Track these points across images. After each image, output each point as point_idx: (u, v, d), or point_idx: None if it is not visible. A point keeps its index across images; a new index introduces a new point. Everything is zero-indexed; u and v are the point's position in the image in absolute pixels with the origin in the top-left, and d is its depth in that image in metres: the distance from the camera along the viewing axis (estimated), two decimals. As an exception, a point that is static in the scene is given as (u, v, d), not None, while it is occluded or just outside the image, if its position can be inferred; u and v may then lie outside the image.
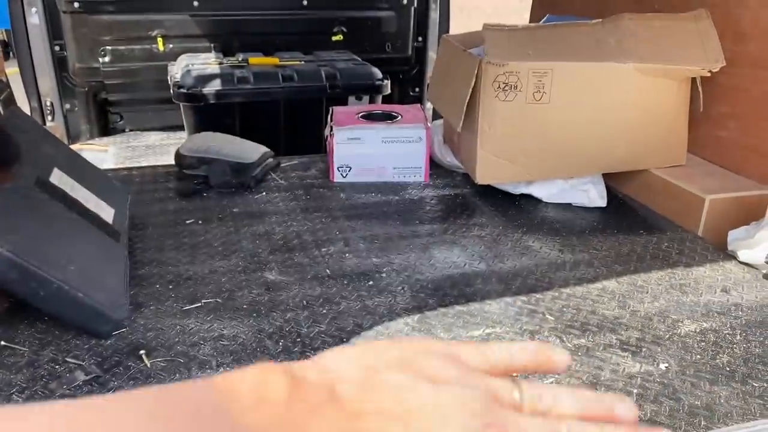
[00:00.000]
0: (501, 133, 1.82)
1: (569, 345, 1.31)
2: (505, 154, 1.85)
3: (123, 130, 3.65)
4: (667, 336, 1.34)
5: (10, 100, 2.40)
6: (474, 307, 1.44)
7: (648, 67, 1.75)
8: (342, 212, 1.91)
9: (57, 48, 3.26)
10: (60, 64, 3.29)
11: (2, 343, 1.28)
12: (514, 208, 1.94)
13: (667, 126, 1.88)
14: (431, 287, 1.52)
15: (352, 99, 3.20)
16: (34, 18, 3.12)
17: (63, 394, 1.16)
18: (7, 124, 1.58)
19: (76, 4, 3.19)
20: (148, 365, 1.23)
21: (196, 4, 3.37)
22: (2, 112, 2.19)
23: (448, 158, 2.17)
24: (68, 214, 1.47)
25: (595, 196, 1.93)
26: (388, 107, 2.30)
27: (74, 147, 3.10)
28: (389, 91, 3.28)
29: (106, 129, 3.61)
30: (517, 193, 1.98)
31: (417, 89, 3.93)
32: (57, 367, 1.23)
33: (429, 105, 3.58)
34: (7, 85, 2.44)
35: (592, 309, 1.44)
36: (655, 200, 1.91)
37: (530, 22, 2.94)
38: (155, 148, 3.42)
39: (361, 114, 2.21)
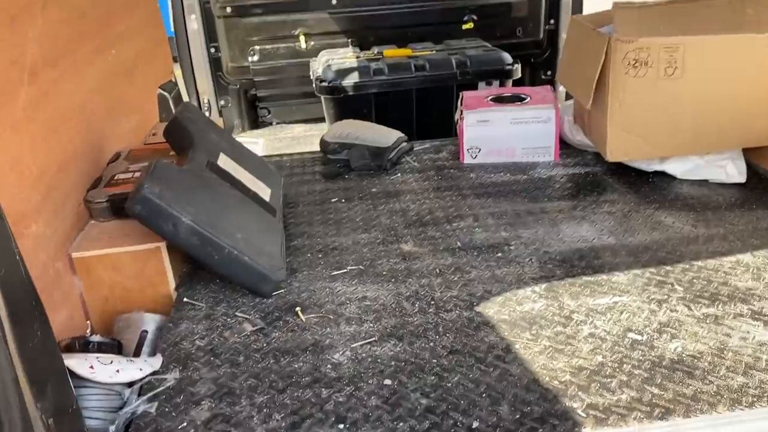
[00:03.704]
0: (632, 109, 1.83)
1: (697, 313, 1.33)
2: (636, 131, 1.86)
3: (270, 123, 3.96)
4: (805, 308, 1.32)
5: (179, 98, 2.73)
6: (601, 278, 1.49)
7: (791, 35, 1.69)
8: (471, 191, 2.01)
9: (212, 50, 3.61)
10: (215, 64, 3.64)
11: (185, 299, 1.52)
12: (647, 185, 1.94)
13: (814, 96, 1.79)
14: (559, 259, 1.58)
15: (482, 84, 3.27)
16: (193, 24, 3.48)
17: (235, 341, 1.36)
18: (181, 117, 1.83)
19: (228, 9, 3.52)
20: (304, 320, 1.41)
21: (333, 2, 3.59)
22: (173, 108, 2.51)
23: (578, 137, 2.20)
24: (233, 192, 1.70)
25: (733, 171, 1.88)
26: (517, 89, 2.36)
27: (229, 139, 3.43)
28: (519, 75, 3.31)
29: (255, 122, 3.94)
30: (651, 170, 1.97)
31: (549, 72, 3.89)
32: (229, 320, 1.45)
33: (561, 88, 3.57)
34: (176, 84, 2.78)
35: (724, 280, 1.44)
36: (800, 175, 1.83)
37: (667, -3, 2.85)
38: (299, 139, 3.70)
39: (490, 97, 2.29)
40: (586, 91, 1.87)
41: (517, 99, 2.26)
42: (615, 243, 1.64)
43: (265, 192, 1.84)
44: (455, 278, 1.53)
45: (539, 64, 3.91)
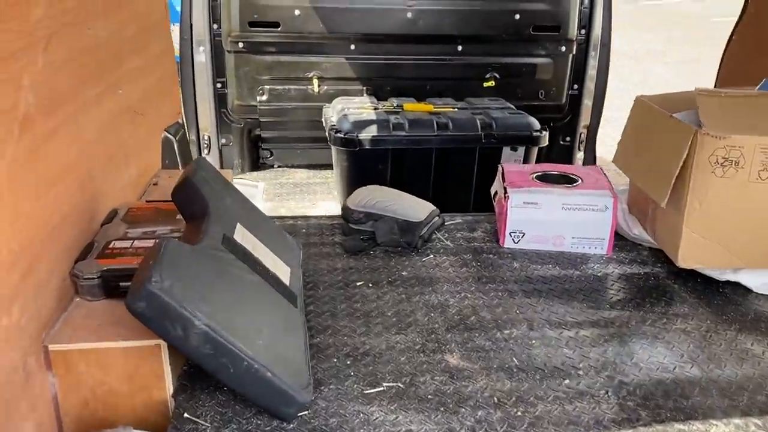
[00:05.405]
0: (713, 212, 1.60)
1: (832, 496, 1.07)
2: (715, 236, 1.63)
3: (272, 166, 3.71)
4: None
5: (185, 141, 2.46)
6: (696, 428, 1.23)
7: None
8: (518, 285, 1.75)
9: (219, 85, 3.36)
10: (220, 100, 3.39)
11: (186, 415, 1.23)
12: (719, 297, 1.70)
13: None
14: (640, 394, 1.32)
15: (506, 149, 3.06)
16: (201, 56, 3.23)
17: (249, 486, 1.07)
18: (195, 177, 1.56)
19: (240, 44, 3.28)
20: (336, 462, 1.13)
21: (353, 47, 3.37)
22: (177, 153, 2.24)
23: (635, 230, 1.96)
24: (251, 276, 1.41)
25: (820, 291, 1.66)
26: (564, 168, 2.13)
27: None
28: (546, 142, 3.11)
29: (256, 164, 3.68)
30: (722, 279, 1.73)
31: (568, 138, 3.72)
32: (240, 450, 1.15)
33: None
34: (182, 127, 2.51)
35: None
36: None
37: (718, 78, 2.68)
38: (302, 186, 3.44)
39: (535, 174, 2.06)
40: (662, 186, 1.64)
41: (566, 180, 2.02)
42: (701, 376, 1.38)
43: (284, 272, 1.57)
44: (518, 413, 1.26)
45: (559, 129, 3.73)
